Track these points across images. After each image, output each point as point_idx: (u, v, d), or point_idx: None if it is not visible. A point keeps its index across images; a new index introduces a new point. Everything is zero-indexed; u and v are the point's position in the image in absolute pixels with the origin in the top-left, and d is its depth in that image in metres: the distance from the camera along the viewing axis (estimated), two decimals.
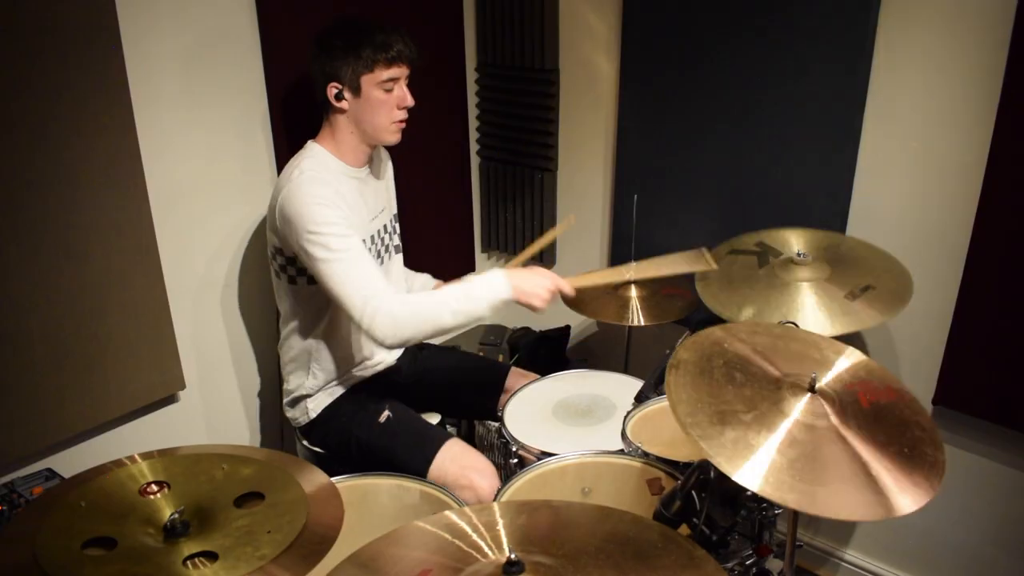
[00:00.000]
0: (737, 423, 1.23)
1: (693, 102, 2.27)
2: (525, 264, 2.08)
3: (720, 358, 1.37)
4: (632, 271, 2.02)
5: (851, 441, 1.25)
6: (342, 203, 1.88)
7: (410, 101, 1.97)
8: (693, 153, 2.31)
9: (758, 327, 1.49)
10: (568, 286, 1.92)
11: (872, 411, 1.33)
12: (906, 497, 1.18)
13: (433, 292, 1.94)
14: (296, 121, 2.23)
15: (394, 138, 2.01)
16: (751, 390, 1.31)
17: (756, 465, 1.17)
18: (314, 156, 1.95)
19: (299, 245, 1.83)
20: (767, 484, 1.15)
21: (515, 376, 2.28)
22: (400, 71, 1.94)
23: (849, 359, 1.43)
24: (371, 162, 2.07)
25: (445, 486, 1.89)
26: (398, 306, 1.80)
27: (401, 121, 1.99)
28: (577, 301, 2.32)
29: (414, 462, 1.94)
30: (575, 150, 2.66)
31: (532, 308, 1.88)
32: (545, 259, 2.84)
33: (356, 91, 1.91)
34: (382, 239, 2.11)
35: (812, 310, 1.77)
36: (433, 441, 1.98)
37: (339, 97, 1.91)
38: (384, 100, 1.93)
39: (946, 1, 1.82)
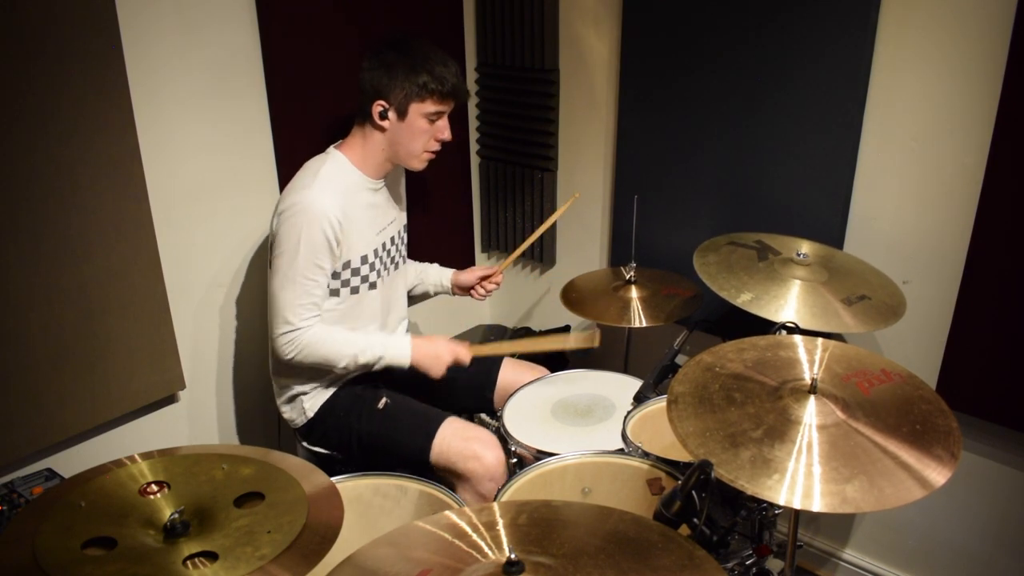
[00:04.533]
0: (749, 442, 1.24)
1: (693, 102, 2.26)
2: (523, 253, 2.28)
3: (715, 383, 1.38)
4: (517, 345, 2.28)
5: (863, 431, 1.26)
6: (341, 227, 1.89)
7: (448, 135, 1.99)
8: (693, 153, 2.31)
9: (744, 343, 1.50)
10: (467, 355, 2.05)
11: (874, 397, 1.34)
12: (932, 471, 1.19)
13: (347, 339, 1.97)
14: (297, 119, 2.23)
15: (421, 166, 2.02)
16: (754, 406, 1.32)
17: (778, 478, 1.18)
18: (336, 163, 1.95)
19: (275, 233, 1.89)
20: (792, 494, 1.15)
21: (509, 366, 2.28)
22: (448, 106, 1.96)
23: (838, 350, 1.44)
24: (387, 175, 2.07)
25: (450, 462, 1.91)
26: (310, 345, 1.91)
27: (433, 152, 2.00)
28: (577, 302, 2.32)
29: (416, 442, 1.95)
30: (575, 150, 2.66)
31: (429, 375, 2.04)
32: (545, 260, 2.84)
33: (401, 115, 1.92)
34: (388, 251, 2.10)
35: (810, 308, 1.77)
36: (433, 419, 1.99)
37: (383, 116, 1.92)
38: (425, 130, 1.94)
39: (947, 3, 1.82)
